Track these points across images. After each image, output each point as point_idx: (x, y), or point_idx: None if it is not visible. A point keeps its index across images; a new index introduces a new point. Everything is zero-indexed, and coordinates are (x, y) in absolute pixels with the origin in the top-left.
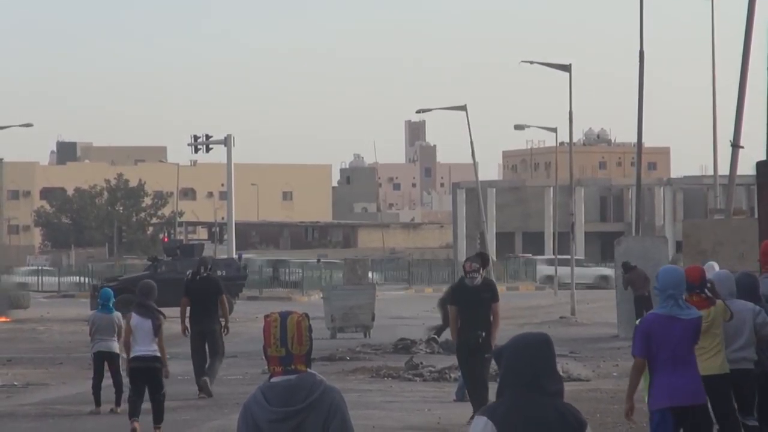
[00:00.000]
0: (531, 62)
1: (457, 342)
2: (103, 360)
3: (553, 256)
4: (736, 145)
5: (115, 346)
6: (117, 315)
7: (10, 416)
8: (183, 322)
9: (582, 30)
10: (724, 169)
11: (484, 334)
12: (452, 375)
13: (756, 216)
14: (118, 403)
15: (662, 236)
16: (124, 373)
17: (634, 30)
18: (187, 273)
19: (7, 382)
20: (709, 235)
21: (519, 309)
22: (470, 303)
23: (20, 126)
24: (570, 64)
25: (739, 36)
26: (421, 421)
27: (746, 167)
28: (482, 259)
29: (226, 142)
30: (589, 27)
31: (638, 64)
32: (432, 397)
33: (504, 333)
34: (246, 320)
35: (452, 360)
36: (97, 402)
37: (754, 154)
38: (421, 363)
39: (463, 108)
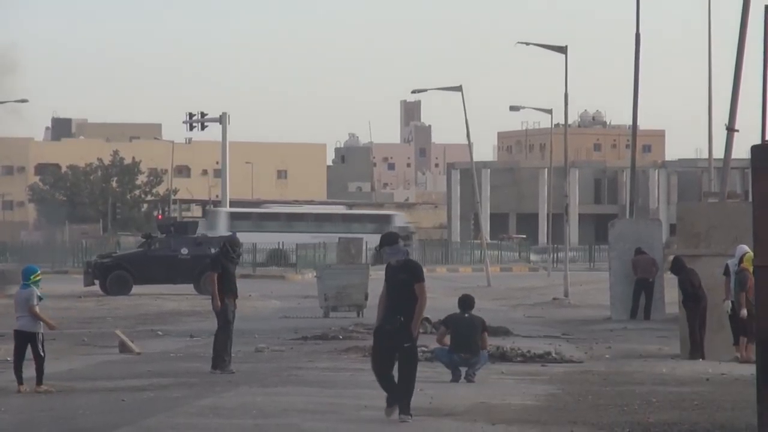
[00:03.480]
0: (527, 43)
1: (376, 323)
2: (21, 338)
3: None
4: (731, 129)
5: (30, 324)
6: (29, 291)
7: (2, 391)
8: (218, 297)
9: (578, 11)
10: (718, 153)
11: (402, 318)
12: None
13: (750, 200)
14: (39, 381)
15: (656, 219)
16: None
17: (630, 11)
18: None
19: (0, 358)
20: (702, 218)
21: (512, 290)
22: (391, 283)
23: (16, 102)
24: (566, 46)
25: (736, 21)
26: (414, 400)
27: (741, 151)
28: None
29: (222, 120)
30: (585, 8)
31: (634, 46)
32: (424, 378)
33: (498, 314)
34: (240, 298)
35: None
36: (19, 380)
37: (749, 137)
38: None
39: (459, 89)
